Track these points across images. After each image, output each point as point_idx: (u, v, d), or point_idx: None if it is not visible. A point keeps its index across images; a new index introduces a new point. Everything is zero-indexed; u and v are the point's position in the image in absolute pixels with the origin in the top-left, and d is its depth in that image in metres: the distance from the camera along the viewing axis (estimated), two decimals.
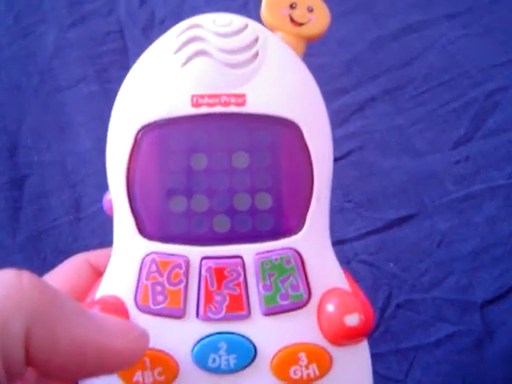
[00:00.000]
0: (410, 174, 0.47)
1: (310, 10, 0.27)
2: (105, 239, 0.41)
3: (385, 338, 0.42)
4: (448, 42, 0.53)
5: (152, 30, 0.55)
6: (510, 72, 0.51)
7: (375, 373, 0.41)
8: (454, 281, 0.43)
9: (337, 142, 0.48)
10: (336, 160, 0.47)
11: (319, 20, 0.27)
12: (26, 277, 0.19)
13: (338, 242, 0.45)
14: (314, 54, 0.53)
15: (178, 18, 0.58)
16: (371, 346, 0.41)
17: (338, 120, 0.49)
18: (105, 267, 0.25)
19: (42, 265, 0.45)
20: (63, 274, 0.28)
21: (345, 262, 0.44)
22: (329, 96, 0.50)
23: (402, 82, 0.51)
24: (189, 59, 0.24)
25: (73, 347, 0.19)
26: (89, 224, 0.47)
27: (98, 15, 0.56)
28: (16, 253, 0.46)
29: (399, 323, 0.42)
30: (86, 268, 0.28)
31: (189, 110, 0.24)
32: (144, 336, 0.22)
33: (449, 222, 0.45)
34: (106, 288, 0.25)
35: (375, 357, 0.41)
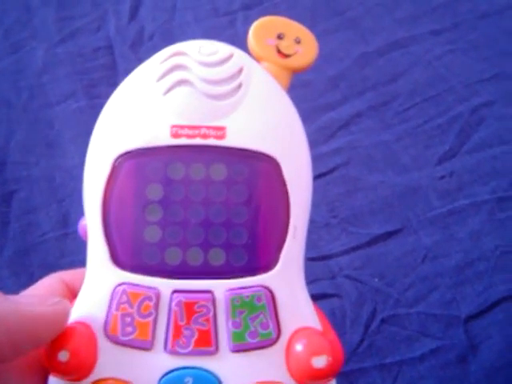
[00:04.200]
0: (395, 189, 0.47)
1: (298, 42, 0.26)
2: None
3: (369, 353, 0.42)
4: (433, 58, 0.53)
5: (141, 46, 0.56)
6: (495, 88, 0.52)
7: None
8: (438, 296, 0.43)
9: (322, 157, 0.49)
10: (322, 175, 0.48)
11: (306, 52, 0.26)
12: None
13: (323, 258, 0.45)
14: None
15: (166, 34, 0.59)
16: (356, 361, 0.42)
17: (323, 136, 0.50)
18: (79, 287, 0.25)
19: (29, 280, 0.45)
20: (40, 293, 0.28)
21: (330, 277, 0.44)
22: (314, 112, 0.51)
23: (388, 98, 0.51)
24: (171, 88, 0.24)
25: None
26: (76, 239, 0.47)
27: (88, 31, 0.57)
28: (3, 268, 0.46)
29: (383, 338, 0.42)
30: (61, 287, 0.28)
31: (168, 140, 0.24)
32: (62, 301, 0.23)
33: (433, 237, 0.45)
34: (77, 314, 0.24)
35: (359, 372, 0.42)
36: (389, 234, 0.46)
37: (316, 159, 0.48)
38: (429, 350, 0.42)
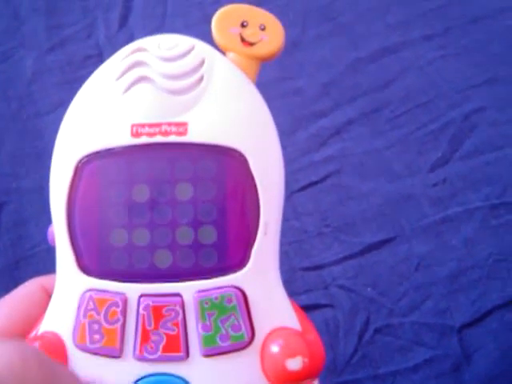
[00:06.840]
0: (388, 197, 0.47)
1: (263, 29, 0.25)
2: None
3: (363, 363, 0.42)
4: (425, 64, 0.53)
5: None
6: (487, 93, 0.51)
7: None
8: (432, 304, 0.43)
9: (314, 165, 0.49)
10: (314, 184, 0.48)
11: (272, 39, 0.25)
12: (32, 359, 0.19)
13: (316, 267, 0.45)
14: (292, 76, 0.53)
15: None
16: (350, 372, 0.42)
17: (315, 143, 0.49)
18: None
19: None
20: (18, 300, 0.27)
21: (323, 286, 0.44)
22: (306, 119, 0.51)
23: (380, 105, 0.51)
24: (130, 86, 0.24)
25: None
26: None
27: (77, 39, 0.57)
28: None
29: (377, 348, 0.42)
30: (41, 293, 0.27)
31: (128, 140, 0.23)
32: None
33: (426, 245, 0.45)
34: (47, 323, 0.24)
35: (353, 383, 0.42)
36: (382, 243, 0.45)
37: (308, 167, 0.49)
38: (423, 359, 0.42)
